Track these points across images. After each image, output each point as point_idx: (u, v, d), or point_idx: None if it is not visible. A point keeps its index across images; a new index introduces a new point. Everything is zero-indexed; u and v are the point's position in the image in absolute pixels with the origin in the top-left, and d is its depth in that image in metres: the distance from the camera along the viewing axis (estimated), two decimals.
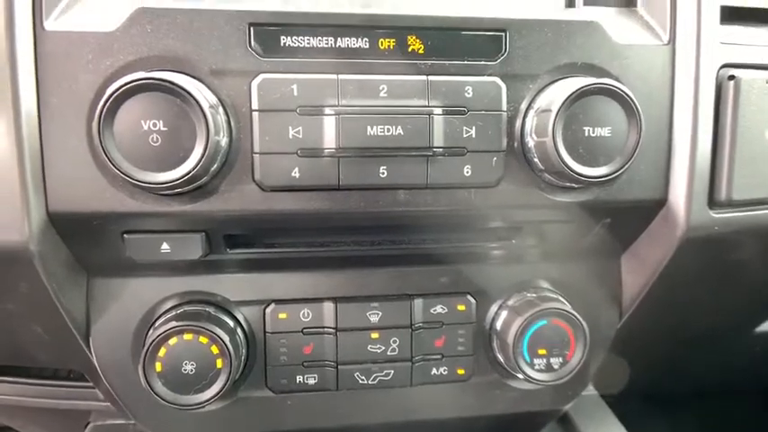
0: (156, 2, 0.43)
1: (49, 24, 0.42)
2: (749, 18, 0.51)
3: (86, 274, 0.50)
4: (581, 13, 0.50)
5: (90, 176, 0.42)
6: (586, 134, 0.44)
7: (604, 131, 0.44)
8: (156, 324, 0.50)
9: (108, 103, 0.39)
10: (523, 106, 0.46)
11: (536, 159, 0.46)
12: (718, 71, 0.48)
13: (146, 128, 0.39)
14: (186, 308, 0.51)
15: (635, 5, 0.51)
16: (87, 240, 0.47)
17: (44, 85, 0.42)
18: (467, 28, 0.45)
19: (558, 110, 0.43)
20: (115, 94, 0.39)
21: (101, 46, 0.42)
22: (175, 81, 0.39)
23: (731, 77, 0.48)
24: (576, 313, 0.52)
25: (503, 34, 0.46)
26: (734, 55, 0.49)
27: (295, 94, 0.43)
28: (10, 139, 0.42)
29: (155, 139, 0.40)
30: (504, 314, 0.54)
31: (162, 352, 0.47)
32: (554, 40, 0.46)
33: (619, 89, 0.43)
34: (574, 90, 0.43)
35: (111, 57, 0.42)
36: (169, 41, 0.42)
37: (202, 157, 0.40)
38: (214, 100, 0.42)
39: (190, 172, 0.40)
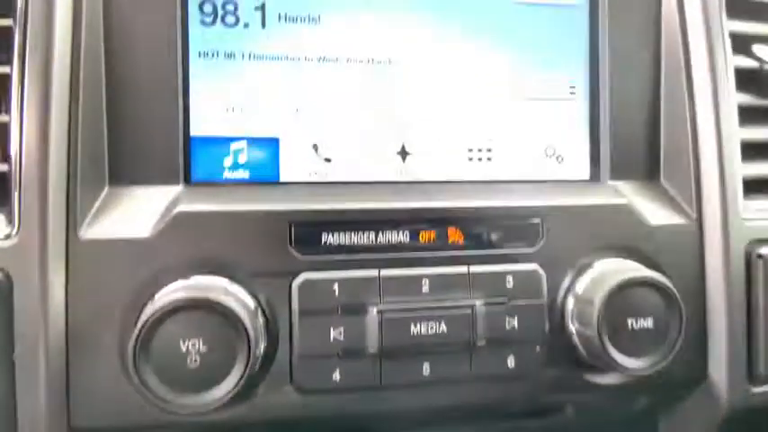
0: (193, 205, 0.42)
1: (83, 231, 0.40)
2: None
3: None
4: (608, 190, 0.50)
5: (119, 393, 0.40)
6: (629, 326, 0.44)
7: (647, 322, 0.44)
8: None
9: (146, 328, 0.37)
10: (563, 290, 0.46)
11: (579, 347, 0.45)
12: (746, 247, 0.49)
13: (184, 349, 0.37)
14: None
15: (658, 179, 0.52)
16: None
17: (74, 296, 0.40)
18: (505, 217, 0.46)
19: (602, 303, 0.43)
20: (153, 318, 0.37)
21: (137, 253, 0.40)
22: (220, 301, 0.37)
23: (760, 256, 0.49)
24: None
25: (539, 222, 0.46)
26: (761, 230, 0.50)
27: (336, 293, 0.42)
28: (34, 353, 0.39)
29: (194, 360, 0.37)
30: None
31: None
32: (589, 224, 0.47)
33: (660, 283, 0.44)
34: (615, 283, 0.43)
35: (146, 264, 0.40)
36: (208, 245, 0.41)
37: (242, 376, 0.38)
38: (253, 305, 0.41)
39: (230, 392, 0.38)
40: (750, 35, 0.54)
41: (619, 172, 0.52)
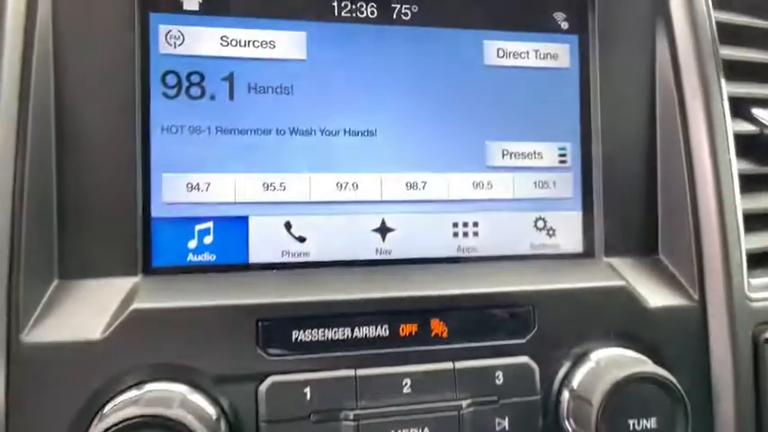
0: (149, 302, 0.38)
1: (26, 334, 0.36)
2: None
3: None
4: (603, 269, 0.47)
5: None
6: (631, 427, 0.40)
7: (650, 423, 0.40)
8: None
9: None
10: (557, 384, 0.42)
11: None
12: (753, 330, 0.46)
13: None
14: None
15: (656, 252, 0.49)
16: None
17: (15, 407, 0.35)
18: (492, 306, 0.42)
19: (600, 403, 0.39)
20: None
21: (86, 358, 0.36)
22: (175, 417, 0.33)
23: None
24: None
25: (530, 309, 0.43)
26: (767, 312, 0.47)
27: (308, 398, 0.38)
28: None
29: None
30: None
31: None
32: (584, 309, 0.43)
33: (663, 379, 0.40)
34: (615, 381, 0.40)
35: (96, 371, 0.36)
36: (165, 348, 0.37)
37: None
38: (215, 414, 0.37)
39: None
40: (748, 98, 0.52)
41: (614, 246, 0.48)
